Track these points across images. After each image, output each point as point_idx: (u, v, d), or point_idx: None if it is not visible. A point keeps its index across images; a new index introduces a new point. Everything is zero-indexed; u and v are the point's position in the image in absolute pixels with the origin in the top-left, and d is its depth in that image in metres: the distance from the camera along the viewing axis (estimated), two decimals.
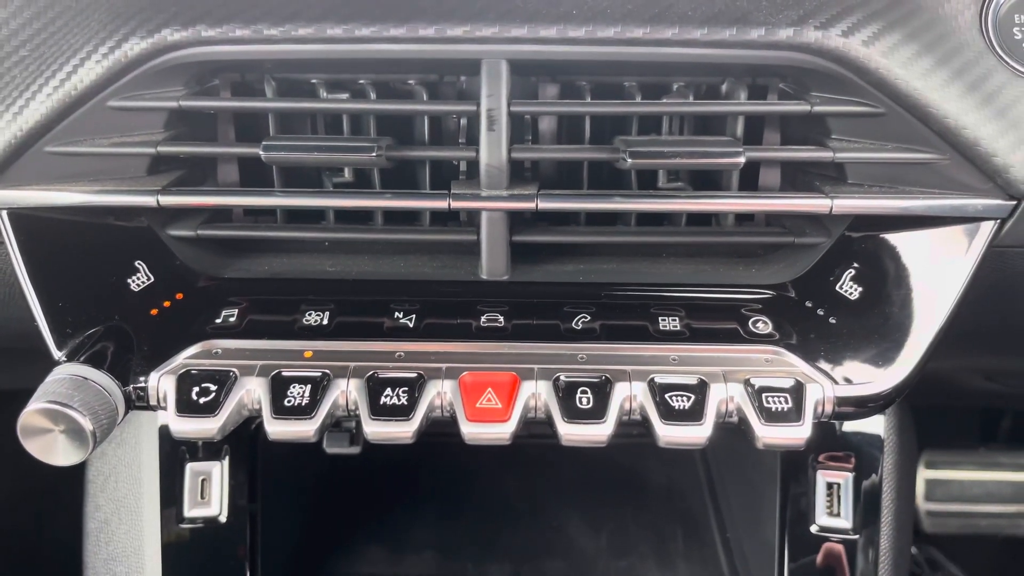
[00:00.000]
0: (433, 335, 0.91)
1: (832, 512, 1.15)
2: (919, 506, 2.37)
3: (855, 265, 0.94)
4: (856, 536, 1.14)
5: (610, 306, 0.94)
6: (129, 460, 1.19)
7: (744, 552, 1.32)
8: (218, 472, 1.16)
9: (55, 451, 0.82)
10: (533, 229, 0.97)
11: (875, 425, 1.16)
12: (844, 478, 1.15)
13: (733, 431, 1.39)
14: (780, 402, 0.86)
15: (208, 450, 1.17)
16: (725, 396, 0.87)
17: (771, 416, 0.85)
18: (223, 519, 1.15)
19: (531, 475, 1.51)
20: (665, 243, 0.99)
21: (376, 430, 0.86)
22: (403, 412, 0.86)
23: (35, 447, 0.82)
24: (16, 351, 1.30)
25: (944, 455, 2.37)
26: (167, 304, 0.94)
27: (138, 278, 0.94)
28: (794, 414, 0.86)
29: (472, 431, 0.86)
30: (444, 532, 1.40)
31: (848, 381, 0.89)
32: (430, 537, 1.39)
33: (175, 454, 1.16)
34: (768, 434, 0.85)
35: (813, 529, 1.14)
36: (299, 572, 1.30)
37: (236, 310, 0.93)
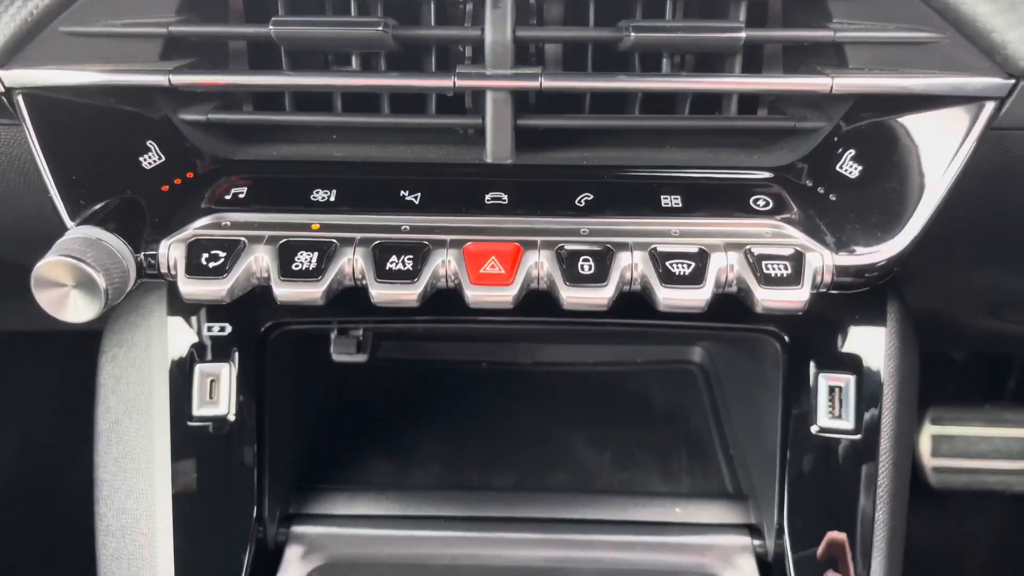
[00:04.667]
0: (438, 210, 0.93)
1: (834, 414, 1.16)
2: (925, 462, 2.37)
3: (855, 146, 0.95)
4: (857, 436, 1.15)
5: (614, 185, 0.96)
6: (139, 363, 1.20)
7: (746, 463, 1.33)
8: (226, 373, 1.18)
9: (66, 306, 0.84)
10: (538, 114, 0.99)
11: (877, 330, 1.17)
12: (845, 381, 1.16)
13: (734, 345, 1.40)
14: (780, 268, 0.88)
15: (217, 352, 1.18)
16: (725, 264, 0.88)
17: (770, 281, 0.87)
18: (231, 418, 1.16)
19: (536, 400, 1.53)
20: (669, 128, 1.01)
21: (381, 292, 0.87)
22: (408, 276, 0.88)
23: (47, 300, 0.84)
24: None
25: (950, 411, 2.37)
26: (178, 181, 0.96)
27: (149, 157, 0.96)
28: (793, 279, 0.87)
29: (475, 294, 0.88)
30: (450, 449, 1.42)
31: (847, 251, 0.90)
32: (436, 453, 1.41)
33: (184, 356, 1.18)
34: (767, 297, 0.86)
35: (813, 430, 1.15)
36: (305, 479, 1.32)
37: (246, 187, 0.95)
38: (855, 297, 1.18)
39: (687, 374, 1.56)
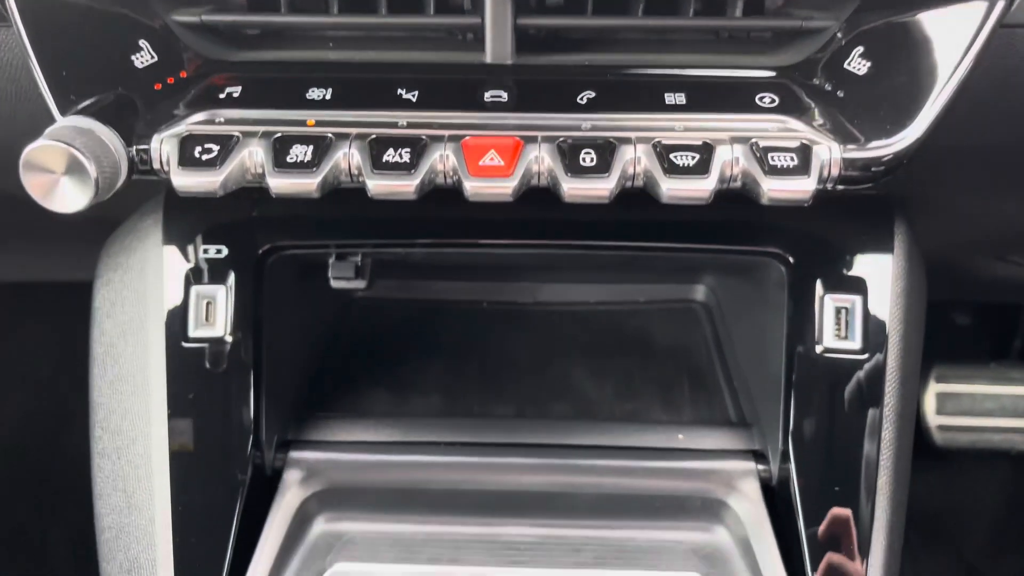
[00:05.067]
0: (436, 107, 0.91)
1: (840, 335, 1.14)
2: (930, 421, 2.34)
3: (864, 44, 0.93)
4: (864, 356, 1.13)
5: (616, 83, 0.94)
6: (135, 285, 1.19)
7: (750, 393, 1.31)
8: (223, 296, 1.16)
9: (55, 194, 0.82)
10: (539, 14, 0.97)
11: (884, 250, 1.15)
12: (851, 302, 1.14)
13: (738, 277, 1.38)
14: (786, 160, 0.86)
15: (213, 274, 1.17)
16: (731, 157, 0.86)
17: (776, 171, 0.85)
18: (228, 339, 1.15)
19: (538, 337, 1.51)
20: (673, 28, 0.99)
21: (378, 183, 0.86)
22: (405, 168, 0.86)
23: (35, 186, 0.82)
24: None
25: (955, 369, 2.34)
26: (171, 81, 0.94)
27: (141, 56, 0.94)
28: (801, 170, 0.85)
29: (475, 185, 0.86)
30: (450, 381, 1.40)
31: (855, 145, 0.88)
32: (436, 384, 1.39)
33: (180, 278, 1.16)
34: (774, 186, 0.84)
35: (818, 350, 1.13)
36: (303, 407, 1.30)
37: (240, 86, 0.94)
38: (861, 218, 1.17)
39: (690, 312, 1.54)
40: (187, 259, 1.17)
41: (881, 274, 1.15)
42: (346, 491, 1.21)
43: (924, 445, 2.33)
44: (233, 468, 1.14)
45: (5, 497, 2.44)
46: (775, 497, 1.18)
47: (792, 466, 1.13)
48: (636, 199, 1.17)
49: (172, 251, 1.18)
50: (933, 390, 2.33)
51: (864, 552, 1.10)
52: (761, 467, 1.20)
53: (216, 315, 1.16)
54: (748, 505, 1.18)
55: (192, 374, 1.15)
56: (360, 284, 1.26)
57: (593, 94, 0.92)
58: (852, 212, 1.17)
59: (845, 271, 1.15)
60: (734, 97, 0.92)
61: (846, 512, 1.11)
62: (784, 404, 1.15)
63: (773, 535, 1.14)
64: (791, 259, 1.16)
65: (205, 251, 1.17)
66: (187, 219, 1.18)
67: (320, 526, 1.19)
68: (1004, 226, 1.46)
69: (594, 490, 1.20)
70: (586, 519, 1.19)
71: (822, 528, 1.11)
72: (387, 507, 1.20)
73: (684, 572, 1.13)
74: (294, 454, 1.22)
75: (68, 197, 0.82)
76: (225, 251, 1.17)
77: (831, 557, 1.10)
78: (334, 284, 1.25)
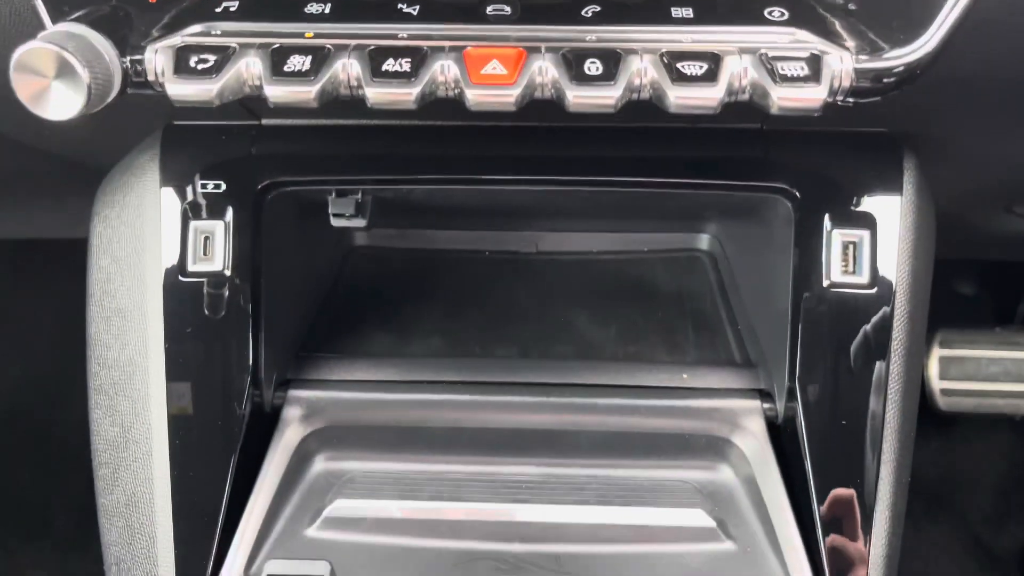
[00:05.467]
0: (437, 20, 0.89)
1: (847, 270, 1.12)
2: (933, 385, 2.33)
3: None
4: (872, 290, 1.11)
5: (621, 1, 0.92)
6: (132, 221, 1.17)
7: (755, 334, 1.29)
8: (221, 231, 1.14)
9: (46, 99, 0.80)
10: None
11: (893, 184, 1.13)
12: (859, 237, 1.12)
13: (744, 219, 1.36)
14: (797, 69, 0.84)
15: (211, 210, 1.15)
16: (739, 68, 0.84)
17: (787, 80, 0.83)
18: (227, 273, 1.13)
19: (541, 284, 1.49)
20: None
21: (377, 92, 0.83)
22: (405, 77, 0.84)
23: (26, 91, 0.80)
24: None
25: (959, 334, 2.33)
26: None
27: None
28: (811, 78, 0.83)
29: (477, 94, 0.84)
30: (452, 324, 1.38)
31: (867, 56, 0.86)
32: (438, 327, 1.38)
33: (178, 213, 1.15)
34: (783, 95, 0.82)
35: (825, 285, 1.11)
36: (302, 344, 1.29)
37: (237, 1, 0.91)
38: (870, 152, 1.15)
39: (694, 260, 1.53)
40: (185, 194, 1.15)
41: (890, 208, 1.13)
42: (346, 429, 1.19)
43: (928, 410, 2.31)
44: (231, 404, 1.12)
45: (7, 461, 2.44)
46: (780, 435, 1.17)
47: (798, 403, 1.12)
48: (642, 136, 1.15)
49: (169, 186, 1.16)
50: (937, 354, 2.31)
51: (871, 487, 1.08)
52: (766, 406, 1.19)
53: (214, 250, 1.14)
54: (753, 443, 1.16)
55: (190, 308, 1.13)
56: (360, 223, 1.23)
57: (598, 8, 0.90)
58: (860, 147, 1.15)
59: (853, 206, 1.13)
60: (742, 11, 0.90)
61: (853, 447, 1.09)
62: (791, 341, 1.13)
63: (779, 473, 1.13)
64: (798, 194, 1.14)
65: (203, 186, 1.15)
66: (185, 155, 1.16)
67: (320, 464, 1.18)
68: (1013, 171, 1.43)
69: (597, 429, 1.19)
70: (589, 458, 1.17)
71: (828, 464, 1.10)
72: (388, 446, 1.18)
73: (689, 509, 1.11)
74: (294, 392, 1.20)
75: (59, 103, 0.80)
76: (223, 186, 1.15)
77: (837, 493, 1.09)
78: (334, 222, 1.23)
